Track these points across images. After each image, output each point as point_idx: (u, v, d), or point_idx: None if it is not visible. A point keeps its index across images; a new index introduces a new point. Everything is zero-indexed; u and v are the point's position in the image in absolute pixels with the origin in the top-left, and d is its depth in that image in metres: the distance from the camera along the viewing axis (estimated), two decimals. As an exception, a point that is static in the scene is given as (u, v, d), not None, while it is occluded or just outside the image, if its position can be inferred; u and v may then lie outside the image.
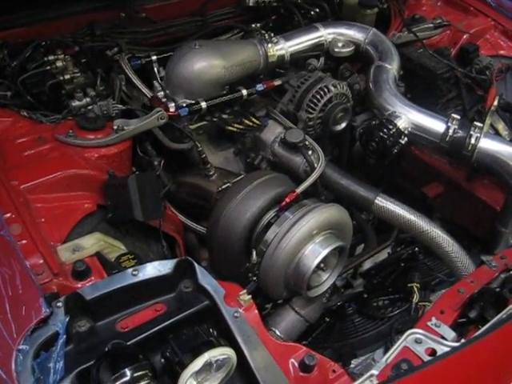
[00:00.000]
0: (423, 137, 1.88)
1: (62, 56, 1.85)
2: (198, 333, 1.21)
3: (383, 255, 2.29)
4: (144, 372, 1.08)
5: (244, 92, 1.91)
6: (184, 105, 1.79)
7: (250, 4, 2.26)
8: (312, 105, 1.89)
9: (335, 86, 1.90)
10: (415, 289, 1.78)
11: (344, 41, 2.09)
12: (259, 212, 1.64)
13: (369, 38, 2.13)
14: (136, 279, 1.26)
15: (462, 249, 1.74)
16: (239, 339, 1.23)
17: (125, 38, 2.05)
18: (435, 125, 1.85)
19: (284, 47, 2.05)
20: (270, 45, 1.99)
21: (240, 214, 1.64)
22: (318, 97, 1.88)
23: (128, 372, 1.07)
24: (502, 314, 1.42)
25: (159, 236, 1.66)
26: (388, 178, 2.31)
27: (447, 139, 1.82)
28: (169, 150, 1.85)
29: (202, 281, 1.30)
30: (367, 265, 2.26)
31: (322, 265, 1.63)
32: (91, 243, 1.34)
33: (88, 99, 1.81)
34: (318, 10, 2.36)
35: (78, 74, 1.82)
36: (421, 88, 2.16)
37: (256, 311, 1.30)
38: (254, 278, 1.63)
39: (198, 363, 1.11)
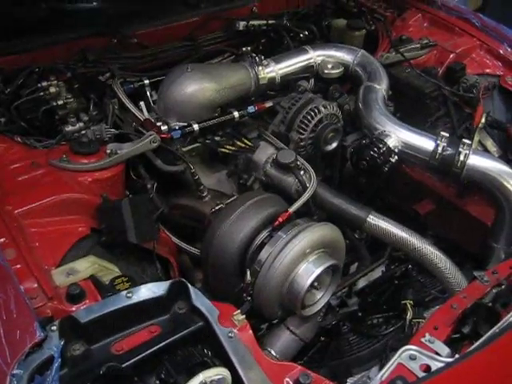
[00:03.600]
0: (413, 155, 1.91)
1: (56, 82, 1.87)
2: (192, 354, 1.22)
3: (377, 273, 2.30)
4: (139, 394, 1.08)
5: (236, 114, 1.94)
6: (177, 127, 1.81)
7: (240, 28, 2.30)
8: (303, 125, 1.92)
9: (325, 107, 1.93)
10: (408, 306, 1.78)
11: (333, 62, 2.13)
12: (252, 232, 1.66)
13: (357, 60, 2.17)
14: (130, 301, 1.27)
15: (455, 265, 1.76)
16: (234, 359, 1.23)
17: (117, 64, 2.08)
18: (424, 143, 1.88)
19: (274, 69, 2.09)
20: (260, 67, 2.04)
21: (233, 235, 1.66)
22: (309, 117, 1.91)
23: (123, 395, 1.07)
24: (495, 329, 1.43)
25: (153, 258, 1.67)
26: (380, 196, 2.34)
27: (437, 157, 1.85)
28: (162, 172, 1.87)
29: (195, 302, 1.30)
30: (361, 283, 2.26)
31: (315, 283, 1.64)
32: (85, 266, 1.35)
33: (81, 124, 1.82)
34: (306, 32, 2.41)
35: (71, 100, 1.84)
36: (409, 107, 2.19)
37: (250, 331, 1.31)
38: (249, 298, 1.64)
39: (193, 384, 1.11)
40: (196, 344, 1.27)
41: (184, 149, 1.91)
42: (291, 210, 1.68)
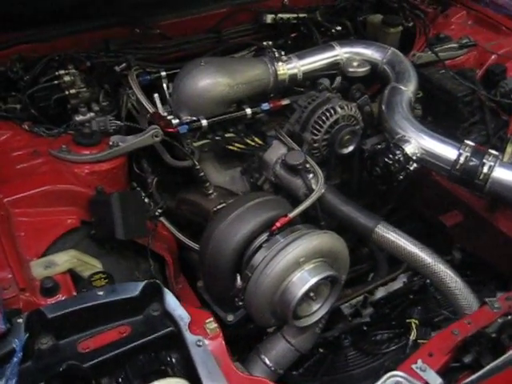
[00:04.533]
0: (434, 163, 1.77)
1: (72, 71, 1.88)
2: (154, 360, 1.18)
3: (398, 284, 2.18)
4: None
5: (248, 111, 1.87)
6: (186, 122, 1.77)
7: (268, 21, 2.22)
8: (317, 126, 1.82)
9: (342, 108, 1.82)
10: (413, 325, 1.66)
11: (360, 60, 2.02)
12: (249, 235, 1.59)
13: (387, 58, 2.05)
14: (102, 300, 1.24)
15: (467, 286, 1.62)
16: (199, 369, 1.17)
17: (139, 54, 2.06)
18: (447, 151, 1.74)
19: (296, 66, 2.00)
20: (280, 63, 1.95)
21: (229, 236, 1.60)
22: (324, 118, 1.82)
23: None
24: (498, 362, 1.31)
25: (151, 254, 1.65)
26: (405, 204, 2.21)
27: (458, 167, 1.71)
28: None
29: (167, 305, 1.26)
30: (379, 293, 2.16)
31: (311, 294, 1.56)
32: (64, 260, 1.33)
33: (92, 114, 1.83)
34: (339, 28, 2.30)
35: (84, 89, 1.84)
36: (441, 111, 2.05)
37: (222, 341, 1.25)
38: (241, 303, 1.59)
39: (146, 392, 1.07)
40: (163, 350, 1.22)
41: (195, 144, 1.87)
42: (291, 215, 1.60)
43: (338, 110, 1.82)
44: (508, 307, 1.43)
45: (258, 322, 1.60)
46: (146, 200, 1.77)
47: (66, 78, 1.85)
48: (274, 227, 1.57)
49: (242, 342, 1.81)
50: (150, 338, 1.23)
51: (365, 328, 1.82)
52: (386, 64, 2.04)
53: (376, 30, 2.29)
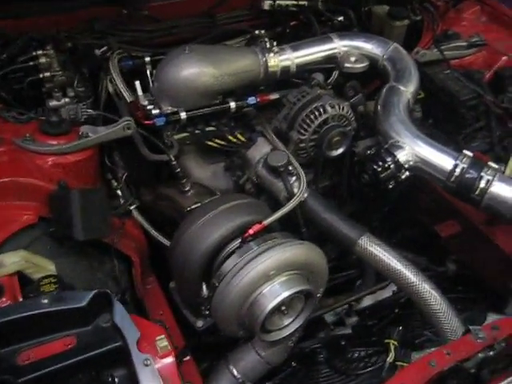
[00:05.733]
0: (428, 172, 1.63)
1: (50, 52, 1.76)
2: (94, 379, 1.08)
3: (387, 293, 2.08)
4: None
5: (232, 104, 1.74)
6: (168, 112, 1.66)
7: (265, 7, 2.08)
8: (304, 125, 1.70)
9: (333, 107, 1.69)
10: (392, 346, 1.55)
11: (358, 55, 1.87)
12: (220, 240, 1.49)
13: (388, 54, 1.90)
14: (45, 308, 1.15)
15: (453, 309, 1.50)
16: (143, 391, 1.09)
17: (125, 37, 1.94)
18: (443, 160, 1.60)
19: (290, 58, 1.85)
20: (271, 54, 1.81)
21: (199, 241, 1.50)
22: (312, 117, 1.69)
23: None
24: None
25: (116, 253, 1.55)
26: (401, 208, 2.09)
27: (452, 179, 1.57)
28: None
29: (116, 318, 1.17)
30: (366, 302, 2.06)
31: (283, 308, 1.46)
32: (12, 261, 1.24)
33: (67, 100, 1.72)
34: (342, 18, 2.15)
35: (60, 73, 1.73)
36: (443, 114, 1.91)
37: (172, 360, 1.16)
38: (207, 312, 1.49)
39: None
40: (107, 367, 1.13)
41: (176, 136, 1.76)
42: (266, 222, 1.49)
43: (328, 109, 1.69)
44: (493, 339, 1.32)
45: (224, 333, 1.50)
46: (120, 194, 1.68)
47: (42, 60, 1.73)
48: (247, 234, 1.47)
49: (215, 348, 1.73)
50: (94, 352, 1.14)
51: (343, 343, 1.71)
52: (386, 60, 1.89)
53: (381, 22, 2.14)
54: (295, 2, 2.10)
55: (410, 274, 1.52)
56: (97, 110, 1.77)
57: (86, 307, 1.17)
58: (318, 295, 1.58)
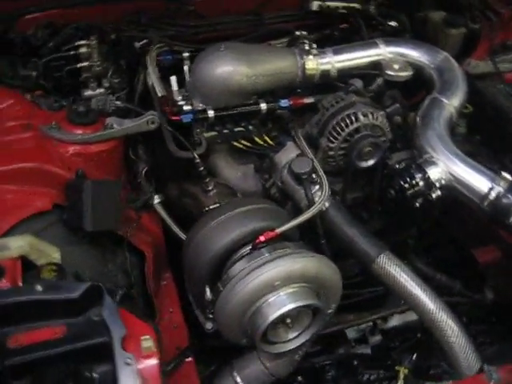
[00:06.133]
0: (461, 193, 1.52)
1: (92, 42, 1.79)
2: (70, 373, 1.08)
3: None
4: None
5: (263, 106, 1.70)
6: (189, 111, 1.64)
7: (314, 8, 2.02)
8: (334, 133, 1.63)
9: (366, 115, 1.61)
10: (401, 374, 1.45)
11: (402, 63, 1.77)
12: (231, 245, 1.46)
13: (436, 64, 1.78)
14: (38, 296, 1.16)
15: (472, 343, 1.38)
16: (121, 391, 1.08)
17: (170, 31, 1.95)
18: (478, 181, 1.49)
19: (330, 61, 1.79)
20: (310, 57, 1.75)
21: (210, 243, 1.47)
22: (343, 124, 1.61)
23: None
24: None
25: (130, 246, 1.56)
26: (440, 225, 1.96)
27: (487, 203, 1.45)
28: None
29: (105, 313, 1.16)
30: (393, 322, 1.96)
31: (288, 320, 1.40)
32: (18, 245, 1.26)
33: (102, 90, 1.74)
34: (394, 23, 2.05)
35: (98, 63, 1.76)
36: (491, 132, 1.77)
37: (156, 362, 1.13)
38: (211, 316, 1.47)
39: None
40: (90, 361, 1.13)
41: (205, 135, 1.74)
42: (279, 230, 1.44)
43: (361, 117, 1.60)
44: (508, 382, 1.20)
45: (227, 339, 1.47)
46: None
47: (83, 50, 1.77)
48: (258, 241, 1.42)
49: (224, 353, 1.70)
50: (81, 344, 1.14)
51: (355, 363, 1.63)
52: (433, 70, 1.78)
53: (436, 29, 2.01)
54: (345, 4, 2.03)
55: (427, 300, 1.42)
56: (131, 102, 1.79)
57: (78, 298, 1.17)
58: (330, 311, 1.51)
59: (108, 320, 1.16)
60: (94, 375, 1.11)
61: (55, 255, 1.33)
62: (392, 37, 1.95)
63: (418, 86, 1.87)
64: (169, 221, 1.72)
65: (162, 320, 1.60)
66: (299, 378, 1.63)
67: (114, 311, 1.17)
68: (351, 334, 1.96)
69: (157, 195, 1.72)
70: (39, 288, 1.17)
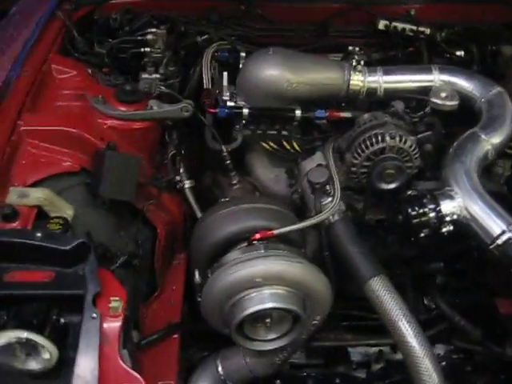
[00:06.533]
0: (474, 231, 1.45)
1: (161, 31, 1.93)
2: (40, 312, 1.20)
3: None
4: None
5: (298, 113, 1.74)
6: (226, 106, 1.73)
7: (380, 27, 2.01)
8: (359, 150, 1.62)
9: (393, 138, 1.58)
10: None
11: (450, 91, 1.71)
12: (229, 237, 1.52)
13: (488, 97, 1.71)
14: (34, 240, 1.29)
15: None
16: (80, 342, 1.18)
17: (237, 31, 2.05)
18: (492, 223, 1.41)
19: (379, 80, 1.78)
20: (356, 73, 1.77)
21: (211, 231, 1.55)
22: (368, 143, 1.60)
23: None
24: None
25: (145, 219, 1.67)
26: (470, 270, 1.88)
27: (494, 246, 1.38)
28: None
29: (86, 269, 1.27)
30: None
31: (267, 320, 1.44)
32: (36, 196, 1.41)
33: (157, 75, 1.88)
34: (461, 53, 1.98)
35: (159, 50, 1.89)
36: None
37: (119, 324, 1.22)
38: (199, 300, 1.53)
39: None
40: (66, 310, 1.24)
41: (245, 132, 1.81)
42: (276, 231, 1.48)
43: (387, 138, 1.58)
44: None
45: (211, 325, 1.53)
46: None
47: (149, 37, 1.92)
48: (253, 237, 1.47)
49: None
50: (60, 292, 1.26)
51: (337, 381, 1.61)
52: (484, 103, 1.71)
53: (506, 63, 1.93)
54: (413, 27, 2.00)
55: (407, 332, 1.38)
56: (183, 92, 1.91)
57: (68, 251, 1.30)
58: (314, 322, 1.52)
59: (87, 275, 1.27)
60: (62, 320, 1.22)
61: (69, 212, 1.46)
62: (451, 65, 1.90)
63: (468, 118, 1.80)
64: (195, 207, 1.81)
65: (162, 294, 1.70)
66: (277, 381, 1.64)
67: (94, 269, 1.27)
68: (356, 356, 1.93)
69: (189, 180, 1.83)
70: (38, 234, 1.31)
